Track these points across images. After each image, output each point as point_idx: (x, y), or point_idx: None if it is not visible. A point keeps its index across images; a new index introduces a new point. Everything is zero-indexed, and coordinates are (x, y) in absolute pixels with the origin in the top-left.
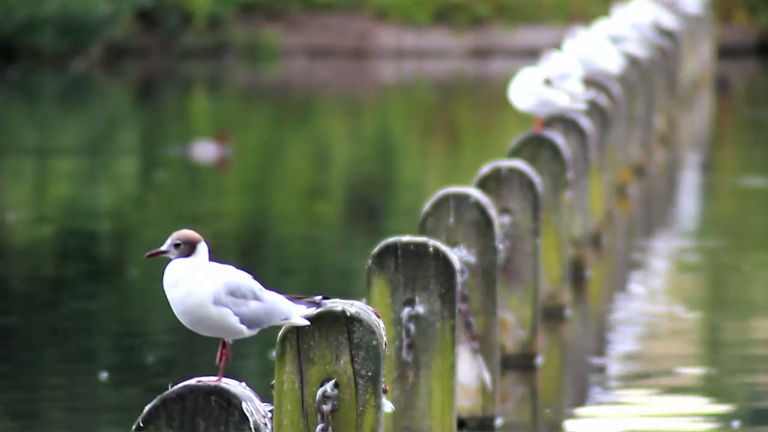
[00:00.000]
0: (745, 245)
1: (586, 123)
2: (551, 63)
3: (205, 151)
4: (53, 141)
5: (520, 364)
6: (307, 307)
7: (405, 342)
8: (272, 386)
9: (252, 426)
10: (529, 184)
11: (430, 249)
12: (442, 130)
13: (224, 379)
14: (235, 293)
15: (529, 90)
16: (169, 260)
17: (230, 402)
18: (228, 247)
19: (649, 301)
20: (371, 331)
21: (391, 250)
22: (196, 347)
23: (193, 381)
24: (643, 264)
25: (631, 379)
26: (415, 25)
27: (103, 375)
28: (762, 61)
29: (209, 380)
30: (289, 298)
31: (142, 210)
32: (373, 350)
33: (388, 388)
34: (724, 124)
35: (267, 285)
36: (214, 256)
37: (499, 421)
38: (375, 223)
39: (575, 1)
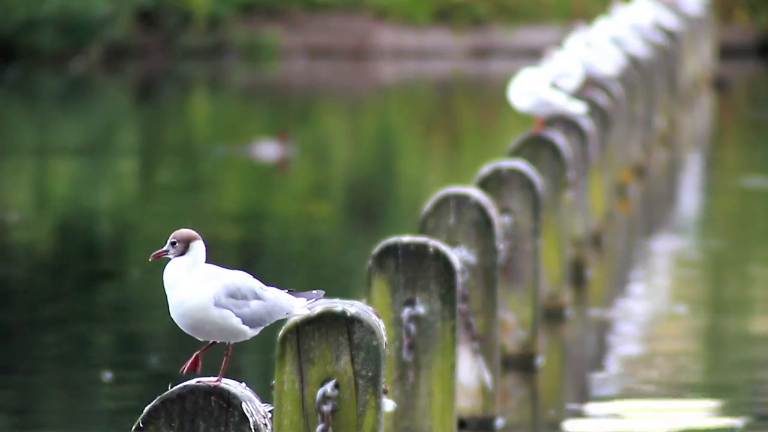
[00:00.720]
0: (745, 245)
1: (586, 123)
2: (552, 63)
3: (266, 150)
4: (54, 141)
5: (520, 364)
6: (308, 299)
7: (405, 342)
8: (272, 386)
9: (252, 426)
10: (529, 184)
11: (431, 249)
12: (442, 130)
13: (224, 380)
14: (235, 295)
15: (530, 90)
16: (168, 260)
17: (230, 402)
18: (226, 246)
19: (650, 301)
20: (371, 332)
21: (391, 250)
22: (200, 347)
23: (192, 381)
24: (644, 264)
25: (632, 380)
26: (415, 25)
27: (107, 375)
28: (762, 61)
29: (209, 380)
30: (288, 292)
31: (150, 208)
32: (373, 350)
33: (388, 388)
34: (725, 124)
35: (266, 281)
36: (213, 256)
37: (499, 422)
38: (375, 223)
39: (575, 1)
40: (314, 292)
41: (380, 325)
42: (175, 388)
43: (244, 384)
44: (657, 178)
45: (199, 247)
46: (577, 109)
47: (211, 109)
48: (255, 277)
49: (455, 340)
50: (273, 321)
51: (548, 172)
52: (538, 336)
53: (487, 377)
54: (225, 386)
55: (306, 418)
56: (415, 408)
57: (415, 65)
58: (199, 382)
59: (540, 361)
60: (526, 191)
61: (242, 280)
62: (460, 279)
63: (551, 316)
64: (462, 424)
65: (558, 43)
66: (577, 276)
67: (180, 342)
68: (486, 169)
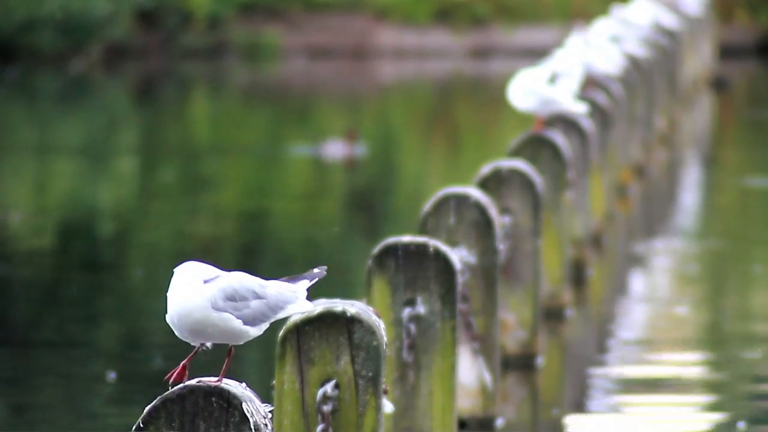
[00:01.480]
0: (746, 245)
1: (586, 123)
2: (552, 63)
3: (334, 149)
4: (54, 141)
5: (520, 364)
6: (310, 280)
7: (405, 342)
8: (272, 387)
9: (252, 426)
10: (529, 185)
11: (431, 249)
12: (442, 130)
13: (224, 380)
14: (233, 297)
15: (531, 90)
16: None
17: (230, 403)
18: (226, 247)
19: (650, 301)
20: (372, 332)
21: (391, 250)
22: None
23: (193, 381)
24: (644, 264)
25: (632, 380)
26: (415, 24)
27: (111, 375)
28: (762, 61)
29: (210, 381)
30: (287, 280)
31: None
32: (373, 351)
33: (388, 388)
34: (725, 124)
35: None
36: (213, 256)
37: (499, 422)
38: (375, 224)
39: (575, 1)
40: (315, 270)
41: (380, 326)
42: (175, 388)
43: (244, 384)
44: (657, 178)
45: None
46: (578, 108)
47: (212, 109)
48: (254, 275)
49: (455, 340)
50: (278, 317)
51: (548, 172)
52: (538, 336)
53: (488, 377)
54: (225, 386)
55: (306, 418)
56: (416, 408)
57: (415, 65)
58: (199, 382)
59: (540, 361)
60: (526, 191)
61: (239, 281)
62: (460, 279)
63: (551, 316)
64: (462, 424)
65: (558, 43)
66: (577, 276)
67: (183, 342)
68: (486, 169)
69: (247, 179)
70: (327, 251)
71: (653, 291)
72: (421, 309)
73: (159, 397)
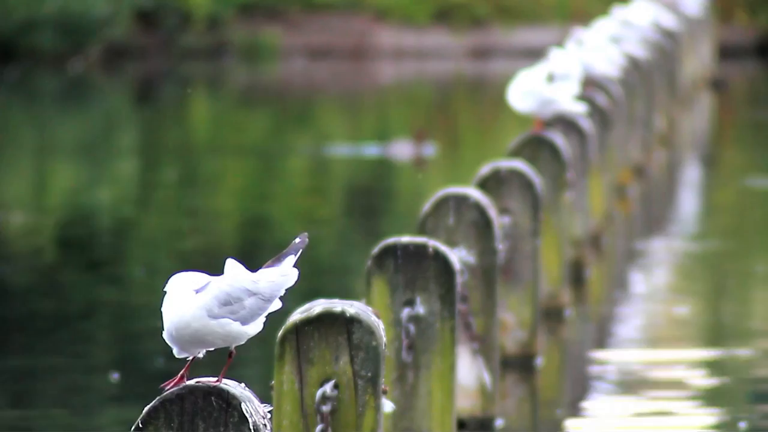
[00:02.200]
0: (745, 245)
1: (586, 123)
2: (551, 63)
3: (402, 149)
4: (53, 141)
5: (519, 364)
6: (294, 254)
7: (405, 343)
8: (272, 387)
9: (251, 427)
10: (528, 185)
11: (430, 250)
12: (441, 131)
13: (223, 380)
14: (228, 302)
15: (531, 91)
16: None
17: (229, 403)
18: (226, 247)
19: (649, 302)
20: (371, 332)
21: (390, 250)
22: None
23: (192, 381)
24: (643, 264)
25: (632, 380)
26: (415, 25)
27: (114, 376)
28: (762, 61)
29: (209, 381)
30: (272, 263)
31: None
32: (372, 351)
33: (387, 388)
34: (724, 125)
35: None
36: (214, 256)
37: (499, 422)
38: (374, 224)
39: (575, 1)
40: (297, 241)
41: (380, 326)
42: (174, 388)
43: (243, 384)
44: (656, 178)
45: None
46: (578, 108)
47: (211, 109)
48: (243, 264)
49: (455, 340)
50: (273, 308)
51: (548, 173)
52: (537, 336)
53: (487, 377)
54: (224, 386)
55: (305, 418)
56: (415, 408)
57: (414, 65)
58: (198, 382)
59: (539, 361)
60: (525, 192)
61: (229, 284)
62: (459, 279)
63: (550, 316)
64: (461, 424)
65: (558, 44)
66: (576, 276)
67: None
68: (485, 169)
69: (247, 179)
70: (327, 251)
71: (653, 291)
72: (420, 309)
73: (158, 398)
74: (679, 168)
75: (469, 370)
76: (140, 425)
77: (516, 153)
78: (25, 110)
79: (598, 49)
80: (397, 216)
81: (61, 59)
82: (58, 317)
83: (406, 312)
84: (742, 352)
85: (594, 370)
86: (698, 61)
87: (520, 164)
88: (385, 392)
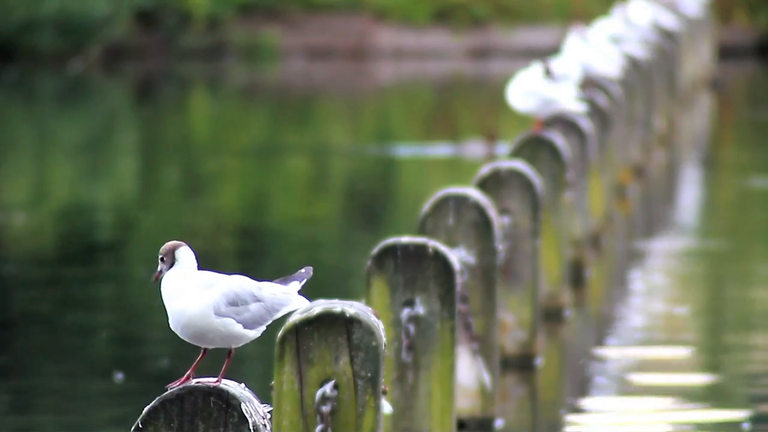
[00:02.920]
0: (745, 245)
1: (585, 124)
2: (549, 62)
3: (474, 149)
4: (53, 141)
5: (519, 364)
6: (299, 281)
7: (404, 343)
8: (272, 387)
9: (251, 427)
10: (528, 185)
11: (430, 250)
12: (441, 131)
13: (223, 380)
14: (235, 302)
15: (531, 91)
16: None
17: (229, 403)
18: (226, 247)
19: (649, 302)
20: (370, 332)
21: (390, 251)
22: (200, 351)
23: (192, 382)
24: (643, 264)
25: (632, 380)
26: (415, 25)
27: (119, 376)
28: (762, 61)
29: (209, 381)
30: (278, 282)
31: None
32: (372, 351)
33: (387, 389)
34: (724, 125)
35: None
36: (214, 255)
37: (498, 422)
38: (374, 224)
39: (575, 1)
40: (302, 271)
41: (379, 326)
42: (174, 388)
43: (243, 384)
44: (656, 178)
45: (185, 254)
46: (578, 108)
47: (211, 109)
48: (250, 277)
49: (454, 340)
50: (273, 319)
51: (547, 173)
52: (537, 336)
53: (487, 378)
54: (224, 387)
55: (305, 418)
56: (415, 408)
57: (414, 66)
58: (198, 382)
59: (539, 361)
60: (525, 192)
61: (239, 285)
62: (459, 280)
63: (550, 316)
64: (461, 424)
65: (557, 44)
66: (576, 276)
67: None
68: (485, 169)
69: (246, 179)
70: (326, 252)
71: (652, 291)
72: (420, 309)
73: (158, 398)
74: (678, 168)
75: (468, 371)
76: (140, 425)
77: (516, 153)
78: (24, 110)
79: (598, 49)
80: (401, 216)
81: (60, 59)
82: (60, 317)
83: (405, 312)
84: (743, 352)
85: (594, 370)
86: (698, 61)
87: (519, 164)
88: (384, 392)
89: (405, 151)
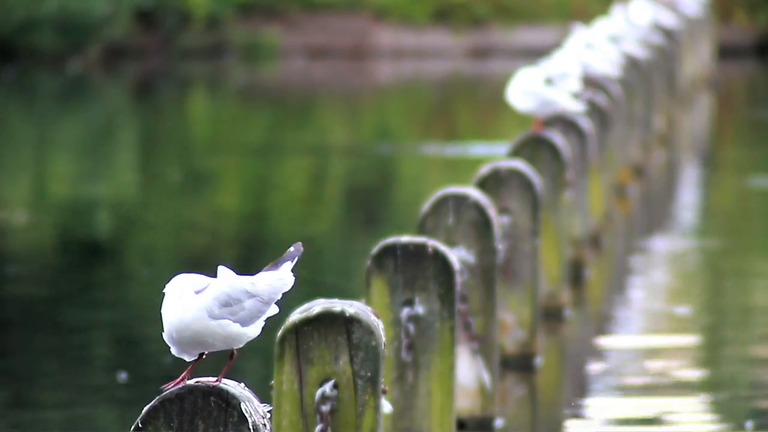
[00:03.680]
0: (745, 245)
1: (585, 123)
2: (551, 62)
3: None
4: (52, 141)
5: (519, 364)
6: (291, 260)
7: (404, 342)
8: (271, 387)
9: (251, 426)
10: (528, 185)
11: (429, 249)
12: (441, 130)
13: (223, 380)
14: (228, 303)
15: (531, 90)
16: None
17: (229, 402)
18: (226, 247)
19: (649, 302)
20: (370, 332)
21: (390, 250)
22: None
23: (192, 381)
24: (643, 264)
25: (632, 380)
26: (414, 25)
27: (122, 376)
28: (762, 61)
29: (208, 381)
30: (269, 268)
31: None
32: (372, 351)
33: (387, 388)
34: (724, 124)
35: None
36: (214, 255)
37: (498, 422)
38: (374, 224)
39: (574, 1)
40: (291, 249)
41: (379, 325)
42: (174, 388)
43: (243, 384)
44: (656, 178)
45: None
46: (577, 108)
47: (211, 109)
48: (234, 271)
49: (454, 340)
50: (270, 312)
51: (547, 173)
52: (536, 336)
53: (486, 377)
54: (224, 386)
55: (305, 418)
56: (414, 408)
57: (414, 65)
58: (198, 382)
59: (539, 361)
60: (525, 191)
61: (230, 285)
62: (459, 279)
63: (550, 316)
64: (461, 424)
65: (557, 43)
66: (575, 276)
67: None
68: (485, 169)
69: (246, 178)
70: (326, 251)
71: (652, 291)
72: (419, 309)
73: (157, 397)
74: (678, 168)
75: (468, 370)
76: (140, 425)
77: (515, 153)
78: (24, 110)
79: (598, 49)
80: (400, 215)
81: (60, 59)
82: (61, 316)
83: (405, 312)
84: (743, 352)
85: (594, 369)
86: (698, 60)
87: (519, 164)
88: (384, 392)
89: (405, 150)
